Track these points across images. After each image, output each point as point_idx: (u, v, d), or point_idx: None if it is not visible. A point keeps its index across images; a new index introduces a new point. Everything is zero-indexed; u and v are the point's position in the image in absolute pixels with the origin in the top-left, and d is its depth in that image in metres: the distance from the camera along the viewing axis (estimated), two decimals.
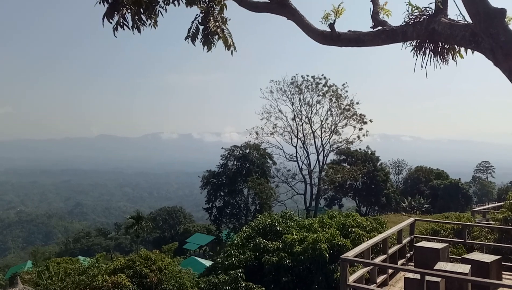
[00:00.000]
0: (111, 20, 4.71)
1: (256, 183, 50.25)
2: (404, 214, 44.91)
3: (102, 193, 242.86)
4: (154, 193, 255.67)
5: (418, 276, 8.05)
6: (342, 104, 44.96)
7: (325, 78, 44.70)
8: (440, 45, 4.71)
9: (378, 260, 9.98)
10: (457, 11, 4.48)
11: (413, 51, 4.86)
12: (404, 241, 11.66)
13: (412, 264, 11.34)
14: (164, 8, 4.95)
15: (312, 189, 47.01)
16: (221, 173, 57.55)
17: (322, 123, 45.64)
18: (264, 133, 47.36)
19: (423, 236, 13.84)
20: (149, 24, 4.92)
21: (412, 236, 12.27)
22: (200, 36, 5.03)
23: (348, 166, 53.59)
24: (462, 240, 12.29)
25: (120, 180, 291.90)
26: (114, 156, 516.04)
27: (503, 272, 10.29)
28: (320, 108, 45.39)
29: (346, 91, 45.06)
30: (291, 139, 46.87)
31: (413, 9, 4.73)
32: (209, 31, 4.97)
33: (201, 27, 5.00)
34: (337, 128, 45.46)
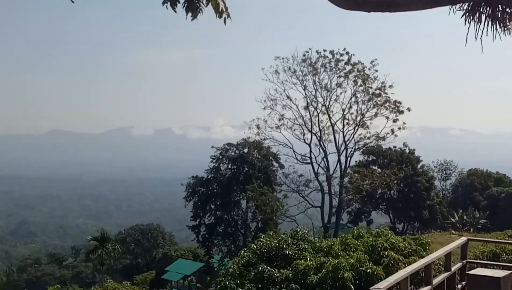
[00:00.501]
0: None
1: (258, 192, 50.33)
2: (453, 232, 44.91)
3: (54, 207, 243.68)
4: (123, 207, 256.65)
5: None
6: (371, 87, 44.94)
7: (347, 53, 44.67)
8: (500, 8, 4.68)
9: None
10: None
11: (464, 17, 4.85)
12: (453, 268, 11.68)
13: None
14: None
15: (332, 200, 47.03)
16: (211, 179, 57.68)
17: (345, 113, 45.68)
18: (268, 127, 47.40)
19: (479, 261, 13.87)
20: None
21: (465, 261, 12.30)
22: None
23: (379, 170, 53.56)
24: None
25: (78, 189, 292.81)
26: (70, 158, 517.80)
27: None
28: (341, 93, 45.40)
29: (376, 71, 45.05)
30: (304, 135, 46.94)
31: None
32: None
33: None
34: (364, 119, 45.46)
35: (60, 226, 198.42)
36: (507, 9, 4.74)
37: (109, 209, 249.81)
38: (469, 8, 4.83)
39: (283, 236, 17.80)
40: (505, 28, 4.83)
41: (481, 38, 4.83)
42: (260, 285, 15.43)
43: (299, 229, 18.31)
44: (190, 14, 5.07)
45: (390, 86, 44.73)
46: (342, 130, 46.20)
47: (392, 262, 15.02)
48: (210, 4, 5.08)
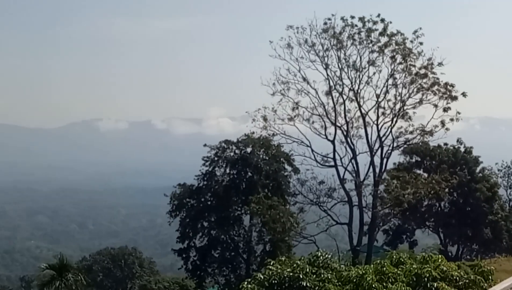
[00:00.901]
0: None
1: (265, 205, 50.26)
2: None
3: None
4: (88, 225, 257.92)
5: None
6: (414, 65, 44.59)
7: (382, 21, 44.37)
8: None
9: None
10: None
11: None
12: None
13: None
14: None
15: (363, 214, 46.87)
16: (203, 188, 57.86)
17: (379, 100, 45.33)
18: (278, 119, 47.03)
19: None
20: None
21: None
22: None
23: (425, 175, 53.33)
24: None
25: (28, 202, 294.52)
26: (17, 160, 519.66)
27: None
28: (375, 73, 45.01)
29: (420, 44, 44.62)
30: (325, 129, 46.63)
31: None
32: None
33: None
34: (405, 107, 45.21)
35: (5, 250, 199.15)
36: None
37: (69, 228, 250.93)
38: None
39: (298, 262, 17.84)
40: None
41: None
42: None
43: (320, 253, 18.34)
44: None
45: (440, 64, 44.34)
46: (376, 122, 45.89)
47: None
48: None
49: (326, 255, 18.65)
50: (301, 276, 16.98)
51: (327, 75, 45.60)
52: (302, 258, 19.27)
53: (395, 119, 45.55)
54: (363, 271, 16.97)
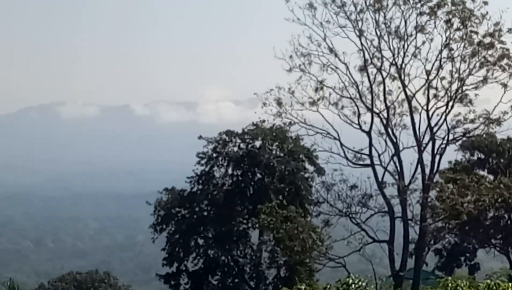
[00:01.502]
0: None
1: (279, 216, 50.46)
2: None
3: None
4: (46, 242, 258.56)
5: None
6: (476, 32, 44.69)
7: None
8: None
9: None
10: None
11: None
12: None
13: None
14: None
15: (408, 229, 47.00)
16: (198, 194, 58.20)
17: (430, 78, 45.42)
18: (297, 103, 47.33)
19: None
20: None
21: None
22: None
23: (491, 177, 53.35)
24: None
25: None
26: None
27: None
28: (425, 42, 45.12)
29: (485, 3, 44.76)
30: (358, 116, 46.78)
31: None
32: None
33: None
34: (464, 88, 45.29)
35: None
36: None
37: (22, 246, 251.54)
38: None
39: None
40: None
41: None
42: None
43: (351, 281, 18.49)
44: None
45: (510, 31, 44.53)
46: (425, 107, 46.02)
47: None
48: None
49: (360, 283, 18.86)
50: None
51: (362, 45, 45.67)
52: (328, 286, 19.48)
53: (450, 103, 45.62)
54: None
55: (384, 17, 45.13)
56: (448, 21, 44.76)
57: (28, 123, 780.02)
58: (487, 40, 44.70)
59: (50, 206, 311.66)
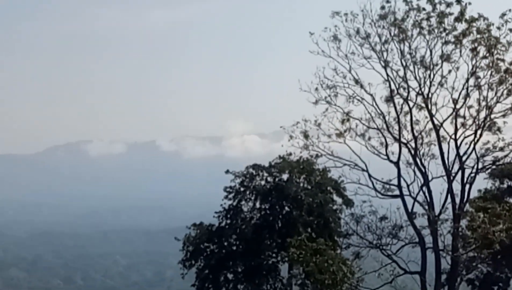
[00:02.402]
0: None
1: (309, 249, 50.26)
2: None
3: None
4: (76, 279, 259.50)
5: None
6: (503, 60, 44.45)
7: (459, 1, 44.39)
8: None
9: None
10: None
11: None
12: None
13: None
14: None
15: (440, 259, 46.54)
16: (226, 229, 58.27)
17: (458, 107, 45.18)
18: (323, 135, 47.23)
19: None
20: None
21: None
22: None
23: None
24: None
25: None
26: None
27: None
28: (451, 71, 44.89)
29: (511, 30, 44.70)
30: (386, 147, 46.54)
31: None
32: None
33: None
34: (492, 116, 44.94)
35: None
36: None
37: (52, 284, 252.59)
38: None
39: None
40: None
41: None
42: None
43: None
44: None
45: None
46: (454, 136, 45.75)
47: None
48: None
49: None
50: None
51: (387, 75, 45.53)
52: None
53: (479, 132, 45.27)
54: None
55: (409, 47, 45.05)
56: (474, 50, 44.59)
57: (56, 161, 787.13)
58: None
59: (78, 244, 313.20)
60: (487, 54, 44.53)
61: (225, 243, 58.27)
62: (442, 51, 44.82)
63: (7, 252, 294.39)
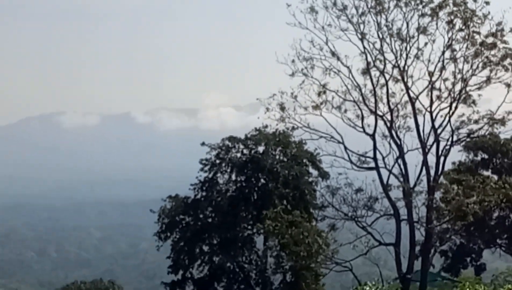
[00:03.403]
0: None
1: (284, 222, 50.40)
2: None
3: None
4: (49, 252, 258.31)
5: None
6: (478, 33, 44.57)
7: None
8: None
9: None
10: None
11: None
12: None
13: None
14: None
15: (414, 231, 46.87)
16: (202, 201, 58.25)
17: (433, 80, 45.34)
18: (300, 107, 47.21)
19: None
20: None
21: None
22: None
23: (495, 177, 53.22)
24: None
25: None
26: None
27: None
28: (427, 44, 45.03)
29: (487, 3, 44.60)
30: (362, 119, 46.62)
31: None
32: None
33: None
34: (467, 88, 45.14)
35: None
36: None
37: (25, 257, 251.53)
38: None
39: None
40: None
41: None
42: None
43: (368, 288, 18.44)
44: None
45: None
46: (429, 109, 45.91)
47: None
48: None
49: (368, 287, 18.85)
50: None
51: (364, 47, 45.60)
52: None
53: (454, 104, 45.54)
54: None
55: (386, 19, 45.04)
56: (450, 22, 44.67)
57: (29, 133, 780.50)
58: (490, 40, 44.60)
59: (53, 216, 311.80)
60: (463, 27, 44.62)
61: (201, 215, 58.25)
62: (419, 24, 44.88)
63: None
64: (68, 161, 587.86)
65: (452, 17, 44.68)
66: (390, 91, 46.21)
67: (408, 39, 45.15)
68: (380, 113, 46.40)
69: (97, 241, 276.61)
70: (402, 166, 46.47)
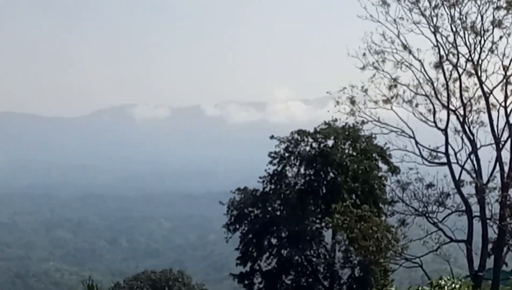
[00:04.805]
0: None
1: (353, 216, 50.13)
2: None
3: (7, 242, 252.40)
4: (120, 242, 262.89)
5: None
6: None
7: None
8: None
9: None
10: None
11: None
12: None
13: None
14: None
15: (487, 229, 46.09)
16: (270, 194, 58.34)
17: (507, 74, 44.51)
18: (370, 101, 46.89)
19: None
20: None
21: None
22: None
23: None
24: None
25: (45, 212, 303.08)
26: (30, 158, 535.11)
27: None
28: (502, 37, 44.09)
29: None
30: (434, 114, 46.08)
31: None
32: None
33: None
34: None
35: (16, 274, 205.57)
36: None
37: (97, 246, 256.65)
38: None
39: None
40: None
41: None
42: None
43: (444, 282, 18.01)
44: None
45: None
46: (504, 104, 45.06)
47: None
48: None
49: (454, 285, 18.36)
50: None
51: (437, 41, 44.99)
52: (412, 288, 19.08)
53: None
54: None
55: (460, 12, 44.30)
56: None
57: (101, 125, 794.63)
58: None
59: (123, 206, 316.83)
60: None
61: (269, 208, 58.33)
62: (494, 17, 44.02)
63: (54, 213, 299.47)
64: (138, 152, 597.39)
65: None
66: (463, 85, 45.42)
67: (482, 32, 44.33)
68: (453, 108, 45.71)
69: (166, 231, 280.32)
70: (474, 162, 45.67)
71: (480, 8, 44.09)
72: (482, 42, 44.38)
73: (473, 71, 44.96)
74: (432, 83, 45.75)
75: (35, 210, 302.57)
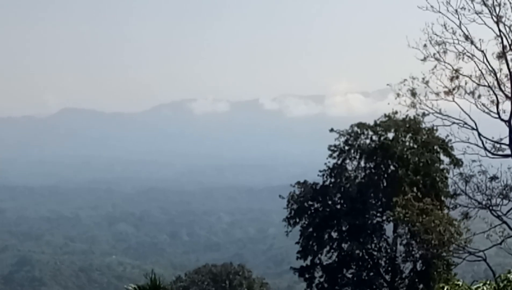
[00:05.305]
0: None
1: (415, 209, 49.74)
2: None
3: (71, 236, 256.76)
4: (181, 235, 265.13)
5: None
6: None
7: None
8: None
9: None
10: None
11: None
12: None
13: None
14: None
15: None
16: (330, 187, 58.19)
17: None
18: (431, 93, 46.33)
19: None
20: None
21: None
22: None
23: None
24: None
25: (107, 207, 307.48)
26: (92, 154, 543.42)
27: None
28: None
29: None
30: (497, 105, 45.31)
31: None
32: None
33: None
34: None
35: (80, 267, 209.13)
36: None
37: (159, 240, 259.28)
38: None
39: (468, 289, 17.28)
40: None
41: None
42: None
43: (504, 274, 17.68)
44: None
45: None
46: None
47: None
48: None
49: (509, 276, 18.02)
50: None
51: (499, 31, 44.16)
52: (477, 283, 18.72)
53: None
54: None
55: None
56: None
57: (161, 120, 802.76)
58: None
59: (184, 200, 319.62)
60: None
61: (330, 202, 58.17)
62: None
63: (116, 207, 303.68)
64: (198, 146, 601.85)
65: None
66: None
67: None
68: None
69: (226, 225, 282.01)
70: None
71: None
72: None
73: None
74: (495, 74, 44.97)
75: (98, 205, 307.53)
